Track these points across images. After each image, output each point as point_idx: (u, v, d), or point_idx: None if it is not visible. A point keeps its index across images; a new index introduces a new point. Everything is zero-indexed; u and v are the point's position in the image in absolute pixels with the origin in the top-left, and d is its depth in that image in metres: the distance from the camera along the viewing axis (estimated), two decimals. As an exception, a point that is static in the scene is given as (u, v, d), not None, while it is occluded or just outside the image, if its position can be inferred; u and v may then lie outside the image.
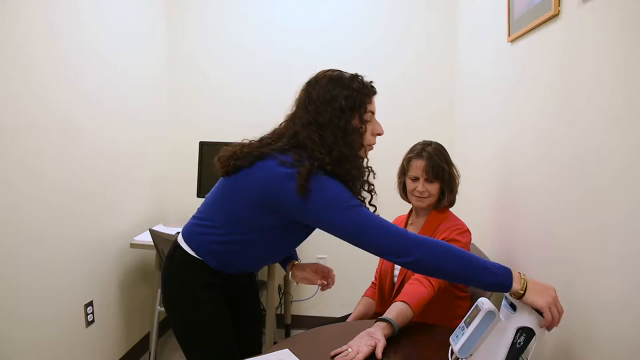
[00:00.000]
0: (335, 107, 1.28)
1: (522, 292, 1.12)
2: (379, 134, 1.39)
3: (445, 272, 1.19)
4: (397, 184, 1.83)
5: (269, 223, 1.31)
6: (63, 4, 2.07)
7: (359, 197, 1.36)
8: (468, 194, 2.23)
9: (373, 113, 1.37)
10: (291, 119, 1.35)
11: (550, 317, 1.10)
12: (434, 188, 1.70)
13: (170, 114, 3.10)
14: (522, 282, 1.13)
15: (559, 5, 1.36)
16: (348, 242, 1.23)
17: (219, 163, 1.37)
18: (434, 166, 1.68)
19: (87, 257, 2.28)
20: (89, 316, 2.28)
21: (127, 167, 2.63)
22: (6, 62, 1.78)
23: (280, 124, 1.40)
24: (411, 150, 1.77)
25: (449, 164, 1.73)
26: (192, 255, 1.39)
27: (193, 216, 1.45)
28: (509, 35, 1.80)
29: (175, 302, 1.44)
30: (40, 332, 1.97)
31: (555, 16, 1.39)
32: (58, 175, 2.07)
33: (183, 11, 3.05)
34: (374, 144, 1.39)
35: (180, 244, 1.42)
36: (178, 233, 1.49)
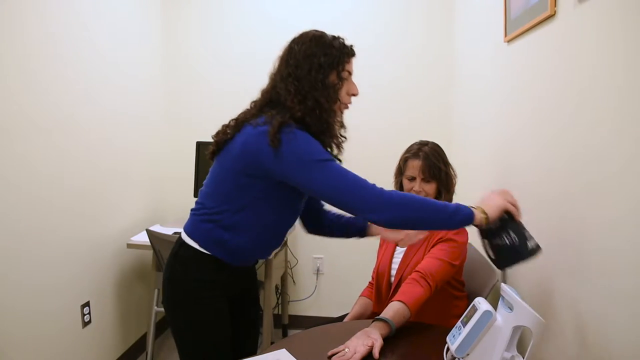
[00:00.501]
0: (315, 62, 1.33)
1: (484, 215, 1.26)
2: (354, 95, 1.43)
3: (418, 225, 1.29)
4: (393, 183, 1.83)
5: (258, 192, 1.33)
6: (61, 2, 2.07)
7: (330, 151, 1.39)
8: (466, 194, 2.23)
9: (350, 73, 1.42)
10: (271, 76, 1.42)
11: (514, 209, 1.29)
12: (430, 188, 1.70)
13: (168, 113, 3.10)
14: (479, 209, 1.27)
15: (555, 6, 1.37)
16: (324, 199, 1.30)
17: (211, 146, 1.43)
18: (430, 166, 1.68)
19: (84, 257, 2.28)
20: (85, 316, 2.27)
21: (124, 167, 2.63)
22: (2, 61, 1.78)
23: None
24: (408, 150, 1.78)
25: (446, 163, 1.73)
26: (198, 250, 1.39)
27: (194, 209, 1.45)
28: (505, 36, 1.81)
29: (178, 301, 1.44)
30: (36, 333, 1.97)
31: (551, 16, 1.39)
32: (55, 175, 2.06)
33: (180, 10, 3.05)
34: (349, 103, 1.44)
35: (185, 241, 1.42)
36: (176, 234, 1.49)
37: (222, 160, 1.39)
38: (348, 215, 1.48)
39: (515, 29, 1.69)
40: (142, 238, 2.53)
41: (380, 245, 1.90)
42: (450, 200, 1.76)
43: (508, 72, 1.83)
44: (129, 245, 2.55)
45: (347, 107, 1.44)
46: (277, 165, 1.26)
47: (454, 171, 1.77)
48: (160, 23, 3.01)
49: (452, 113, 2.86)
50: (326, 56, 1.34)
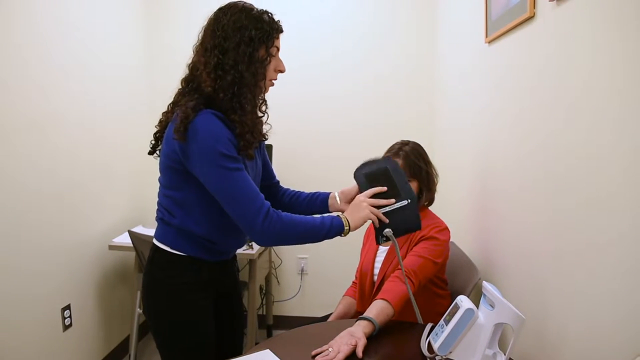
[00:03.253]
0: (245, 35, 1.28)
1: (347, 227, 1.34)
2: (281, 71, 1.41)
3: (291, 242, 1.34)
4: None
5: (194, 180, 1.30)
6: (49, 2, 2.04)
7: (249, 138, 1.32)
8: (449, 196, 2.26)
9: (278, 49, 1.39)
10: (194, 48, 1.38)
11: (376, 219, 1.36)
12: (412, 187, 1.71)
13: (151, 111, 3.05)
14: (344, 219, 1.34)
15: (534, 7, 1.39)
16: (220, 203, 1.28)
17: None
18: (411, 165, 1.69)
19: (64, 259, 2.24)
20: (66, 320, 2.24)
21: (105, 166, 2.59)
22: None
23: None
24: (389, 150, 1.79)
25: (427, 162, 1.75)
26: (172, 253, 1.38)
27: (157, 212, 1.47)
28: (486, 37, 1.83)
29: (161, 305, 1.42)
30: (15, 337, 1.93)
31: (530, 18, 1.42)
32: (32, 175, 2.03)
33: (163, 10, 3.02)
34: (275, 79, 1.41)
35: (158, 245, 1.42)
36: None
37: (161, 153, 1.40)
38: (307, 193, 1.59)
39: (496, 29, 1.71)
40: (124, 239, 2.50)
41: (364, 245, 1.91)
42: (432, 198, 1.77)
43: (489, 73, 1.86)
44: (111, 247, 2.52)
45: (272, 84, 1.42)
46: (185, 158, 1.27)
47: (435, 170, 1.78)
48: (142, 15, 2.96)
49: (434, 113, 2.88)
50: (257, 30, 1.30)
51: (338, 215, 1.37)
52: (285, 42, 3.09)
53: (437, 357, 1.23)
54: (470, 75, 2.14)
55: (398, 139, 1.82)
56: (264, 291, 3.05)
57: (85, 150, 2.40)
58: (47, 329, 2.13)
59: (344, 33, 2.94)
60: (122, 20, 2.75)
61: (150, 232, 2.48)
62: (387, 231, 1.36)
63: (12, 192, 1.91)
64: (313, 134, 3.01)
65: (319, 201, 1.58)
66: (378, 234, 1.39)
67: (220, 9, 1.34)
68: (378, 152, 1.84)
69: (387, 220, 1.37)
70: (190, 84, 1.34)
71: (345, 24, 2.94)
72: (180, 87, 1.40)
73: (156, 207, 1.48)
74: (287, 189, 1.66)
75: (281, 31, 1.39)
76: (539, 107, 1.37)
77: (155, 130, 1.45)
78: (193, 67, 1.36)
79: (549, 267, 1.32)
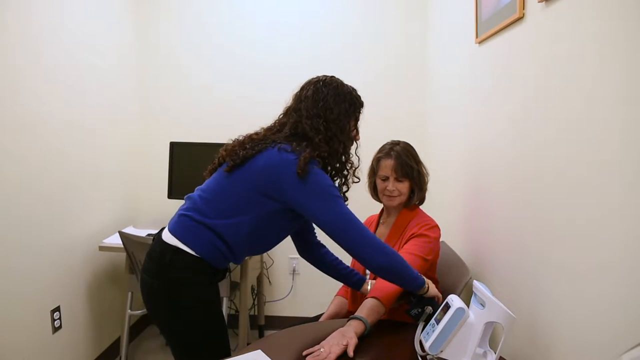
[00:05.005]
0: (343, 108, 1.48)
1: (427, 286, 1.44)
2: (357, 140, 1.58)
3: (394, 280, 1.42)
4: (367, 184, 1.84)
5: (263, 211, 1.40)
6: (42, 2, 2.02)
7: (342, 190, 1.52)
8: (440, 196, 2.27)
9: (358, 121, 1.57)
10: (293, 111, 1.50)
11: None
12: (403, 187, 1.72)
13: (142, 111, 3.04)
14: (427, 282, 1.45)
15: (523, 8, 1.40)
16: (325, 230, 1.36)
17: (225, 153, 1.48)
18: (402, 165, 1.70)
19: (54, 261, 2.22)
20: (55, 322, 2.22)
21: (95, 167, 2.57)
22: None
23: (279, 116, 1.55)
24: (380, 150, 1.79)
25: (418, 162, 1.76)
26: (194, 256, 1.39)
27: (187, 215, 1.43)
28: (476, 37, 1.84)
29: (184, 306, 1.41)
30: (3, 340, 1.91)
31: (520, 19, 1.43)
32: (22, 174, 2.00)
33: (153, 7, 3.00)
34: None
35: (180, 247, 1.40)
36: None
37: (239, 175, 1.41)
38: (346, 266, 1.73)
39: (486, 30, 1.72)
40: (115, 240, 2.48)
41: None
42: (423, 197, 1.78)
43: (479, 72, 1.87)
44: (101, 248, 2.50)
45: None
46: (297, 193, 1.35)
47: (426, 169, 1.79)
48: (132, 14, 2.94)
49: (425, 114, 2.89)
50: (351, 103, 1.50)
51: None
52: (274, 42, 3.11)
53: (428, 357, 1.24)
54: (460, 75, 2.15)
55: (389, 140, 1.83)
56: (255, 291, 3.04)
57: (76, 150, 2.38)
58: (36, 331, 2.11)
59: (334, 34, 2.94)
60: (112, 20, 2.73)
61: (141, 232, 2.47)
62: (428, 308, 1.43)
63: (0, 191, 1.89)
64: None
65: (356, 279, 1.74)
66: (418, 308, 1.44)
67: (319, 80, 1.51)
68: (369, 152, 1.84)
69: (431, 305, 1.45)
70: (303, 141, 1.43)
71: (335, 25, 2.94)
72: (269, 132, 1.49)
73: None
74: (328, 250, 1.77)
75: (363, 105, 1.57)
76: (529, 106, 1.38)
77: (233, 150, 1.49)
78: (296, 126, 1.46)
79: (539, 266, 1.33)
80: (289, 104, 1.54)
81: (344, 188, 1.53)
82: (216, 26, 2.98)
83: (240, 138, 1.50)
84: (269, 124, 1.54)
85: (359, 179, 1.57)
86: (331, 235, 1.36)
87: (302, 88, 1.53)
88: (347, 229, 1.35)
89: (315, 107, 1.46)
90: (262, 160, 1.39)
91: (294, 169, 1.33)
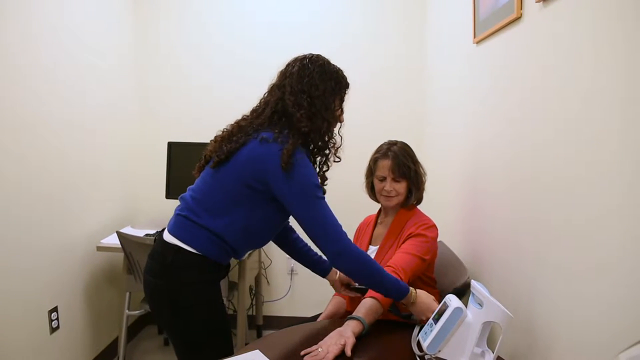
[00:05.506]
0: (329, 85, 1.47)
1: (413, 300, 1.41)
2: (341, 122, 1.57)
3: (369, 285, 1.46)
4: (365, 184, 1.84)
5: (253, 202, 1.40)
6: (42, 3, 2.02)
7: (323, 169, 1.53)
8: (438, 196, 2.27)
9: (343, 102, 1.56)
10: (277, 87, 1.48)
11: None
12: (401, 187, 1.72)
13: (141, 111, 3.04)
14: (413, 290, 1.42)
15: (521, 8, 1.40)
16: (303, 227, 1.38)
17: (211, 148, 1.48)
18: (400, 165, 1.70)
19: (52, 261, 2.22)
20: (53, 322, 2.21)
21: (94, 167, 2.57)
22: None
23: (264, 95, 1.53)
24: (377, 151, 1.79)
25: (415, 162, 1.76)
26: (196, 254, 1.39)
27: (183, 215, 1.44)
28: (474, 37, 1.84)
29: (188, 305, 1.41)
30: (1, 340, 1.90)
31: (518, 19, 1.43)
32: (21, 174, 2.00)
33: (153, 7, 3.00)
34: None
35: (181, 246, 1.40)
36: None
37: (225, 170, 1.41)
38: (318, 252, 1.65)
39: (484, 30, 1.72)
40: (113, 240, 2.47)
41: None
42: (421, 197, 1.78)
43: (476, 73, 1.87)
44: (99, 248, 2.50)
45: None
46: (281, 186, 1.35)
47: (423, 169, 1.79)
48: (131, 13, 2.93)
49: (423, 114, 2.89)
50: (337, 82, 1.49)
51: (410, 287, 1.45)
52: (274, 42, 3.11)
53: (426, 356, 1.24)
54: (458, 75, 2.15)
55: (386, 140, 1.83)
56: (253, 291, 3.04)
57: (75, 150, 2.38)
58: (33, 331, 2.10)
59: (334, 34, 2.94)
60: (112, 20, 2.73)
61: (139, 232, 2.47)
62: (414, 317, 1.47)
63: (0, 191, 1.89)
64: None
65: (325, 266, 1.76)
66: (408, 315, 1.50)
67: (306, 57, 1.50)
68: (366, 152, 1.85)
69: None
70: (283, 118, 1.43)
71: (334, 25, 2.94)
72: (254, 116, 1.49)
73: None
74: (299, 236, 1.76)
75: (349, 86, 1.56)
76: (527, 106, 1.39)
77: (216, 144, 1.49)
78: (277, 104, 1.45)
79: (536, 266, 1.33)
80: (273, 81, 1.52)
81: (324, 167, 1.53)
82: (216, 26, 2.98)
83: (229, 127, 1.50)
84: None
85: (339, 158, 1.55)
86: (307, 232, 1.38)
87: (288, 64, 1.51)
88: (326, 232, 1.36)
89: (300, 82, 1.44)
90: (245, 153, 1.39)
91: (278, 161, 1.33)
